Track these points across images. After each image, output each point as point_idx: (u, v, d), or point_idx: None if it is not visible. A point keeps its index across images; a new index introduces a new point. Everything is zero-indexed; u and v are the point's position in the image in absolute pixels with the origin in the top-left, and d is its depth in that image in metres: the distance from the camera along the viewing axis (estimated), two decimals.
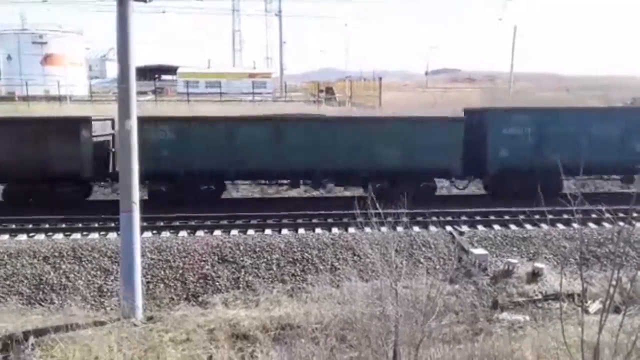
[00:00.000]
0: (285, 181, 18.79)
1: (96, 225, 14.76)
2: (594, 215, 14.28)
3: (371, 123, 19.15)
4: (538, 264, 12.75)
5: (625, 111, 21.00)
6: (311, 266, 12.79)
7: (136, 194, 10.61)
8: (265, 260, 12.86)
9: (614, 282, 6.71)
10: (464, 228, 14.61)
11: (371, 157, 17.63)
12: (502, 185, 18.70)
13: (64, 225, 14.73)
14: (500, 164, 18.20)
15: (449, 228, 14.48)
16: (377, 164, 17.62)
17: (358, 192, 17.92)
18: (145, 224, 12.83)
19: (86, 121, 17.44)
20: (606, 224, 13.98)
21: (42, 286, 12.06)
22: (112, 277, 12.20)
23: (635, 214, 13.79)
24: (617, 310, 8.07)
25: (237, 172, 17.89)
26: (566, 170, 20.22)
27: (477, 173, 18.93)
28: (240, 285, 12.30)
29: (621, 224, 10.05)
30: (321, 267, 12.74)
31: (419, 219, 14.87)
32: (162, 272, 12.48)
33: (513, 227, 14.79)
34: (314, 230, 14.37)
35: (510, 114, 19.00)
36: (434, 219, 14.96)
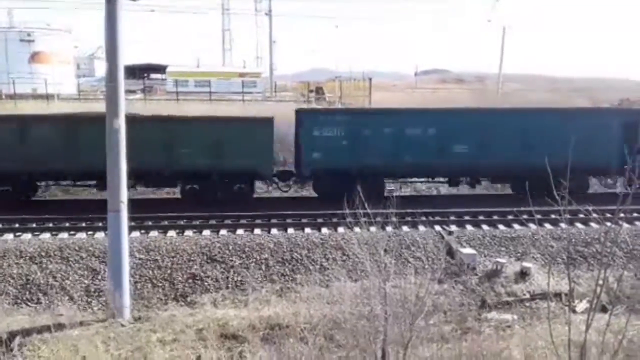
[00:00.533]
0: (89, 182, 17.92)
1: (84, 224, 14.65)
2: (581, 215, 14.37)
3: (177, 123, 17.90)
4: (526, 264, 12.83)
5: (439, 113, 20.10)
6: (300, 266, 12.78)
7: (124, 194, 10.55)
8: (254, 260, 12.83)
9: (600, 282, 6.76)
10: (453, 227, 14.67)
11: (178, 157, 17.05)
12: (317, 187, 18.41)
13: (50, 225, 14.61)
14: (314, 166, 17.75)
15: (438, 228, 14.54)
16: (184, 164, 17.07)
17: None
18: (133, 223, 12.75)
19: None
20: (593, 224, 14.08)
21: (28, 286, 11.95)
22: (100, 277, 12.12)
23: (621, 214, 13.88)
24: (604, 310, 8.15)
25: (32, 174, 17.14)
26: (384, 172, 19.93)
27: (299, 175, 18.44)
28: (229, 285, 12.27)
29: (608, 224, 10.10)
30: (310, 267, 12.74)
31: (408, 218, 14.90)
32: (150, 272, 12.42)
33: (501, 226, 14.86)
34: (303, 230, 14.36)
35: (322, 115, 18.48)
36: (423, 218, 15.01)
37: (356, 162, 17.37)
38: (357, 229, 9.33)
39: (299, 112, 18.58)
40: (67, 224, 14.70)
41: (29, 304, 11.66)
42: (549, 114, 19.55)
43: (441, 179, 19.38)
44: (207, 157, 17.08)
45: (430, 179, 19.65)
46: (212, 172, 17.17)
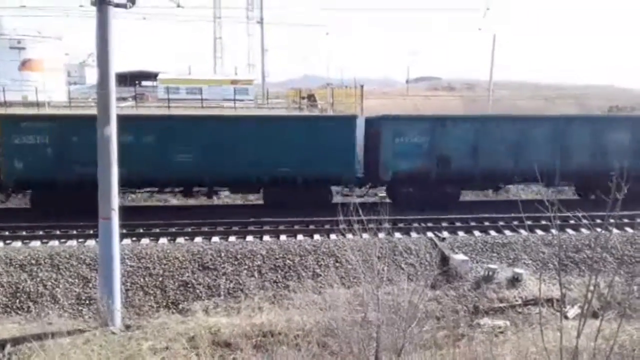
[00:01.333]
0: None
1: (74, 232, 14.55)
2: (571, 222, 14.45)
3: None
4: (518, 270, 12.88)
5: (157, 119, 19.09)
6: (293, 273, 12.76)
7: (115, 201, 10.51)
8: (246, 267, 12.79)
9: (591, 288, 6.79)
10: (445, 234, 14.70)
11: None
12: (31, 199, 17.21)
13: (41, 233, 14.49)
14: (16, 176, 16.36)
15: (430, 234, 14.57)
16: None
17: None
18: (124, 230, 12.69)
19: None
20: (584, 230, 14.15)
21: (18, 294, 11.84)
22: (91, 285, 12.03)
23: (611, 220, 13.97)
24: (595, 315, 8.19)
25: None
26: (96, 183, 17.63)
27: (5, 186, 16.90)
28: (222, 293, 12.22)
29: (598, 230, 10.18)
30: (303, 274, 12.71)
31: (401, 225, 14.92)
32: (142, 280, 12.35)
33: (493, 232, 14.91)
34: (295, 237, 14.34)
35: (22, 122, 16.61)
36: (416, 225, 15.04)
37: (63, 173, 16.09)
38: (349, 235, 9.36)
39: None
40: (58, 232, 14.58)
41: (19, 312, 11.54)
42: (281, 121, 18.92)
43: (175, 189, 18.23)
44: None
45: (160, 189, 18.44)
46: None
